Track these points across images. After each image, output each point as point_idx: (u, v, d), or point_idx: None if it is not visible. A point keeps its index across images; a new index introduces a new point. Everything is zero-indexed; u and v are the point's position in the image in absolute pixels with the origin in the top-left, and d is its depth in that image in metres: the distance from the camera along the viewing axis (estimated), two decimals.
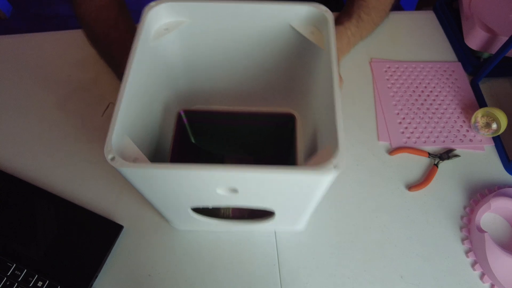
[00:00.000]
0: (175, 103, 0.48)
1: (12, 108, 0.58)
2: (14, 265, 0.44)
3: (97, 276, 0.45)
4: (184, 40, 0.42)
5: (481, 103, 0.59)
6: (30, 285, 0.43)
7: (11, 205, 0.49)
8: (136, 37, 0.36)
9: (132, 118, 0.34)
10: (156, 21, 0.39)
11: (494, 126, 0.53)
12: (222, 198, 0.35)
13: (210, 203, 0.38)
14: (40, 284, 0.43)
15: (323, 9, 0.38)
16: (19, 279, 0.44)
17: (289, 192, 0.34)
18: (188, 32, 0.41)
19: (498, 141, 0.56)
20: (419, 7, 1.17)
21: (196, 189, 0.34)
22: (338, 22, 0.60)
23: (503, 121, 0.53)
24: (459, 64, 0.65)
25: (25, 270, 0.44)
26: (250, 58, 0.44)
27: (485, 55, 0.63)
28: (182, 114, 0.47)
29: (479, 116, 0.55)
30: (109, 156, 0.29)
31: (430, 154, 0.55)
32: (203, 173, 0.29)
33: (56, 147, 0.54)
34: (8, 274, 0.44)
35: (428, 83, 0.62)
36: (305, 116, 0.46)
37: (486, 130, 0.54)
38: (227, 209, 0.48)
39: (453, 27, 0.67)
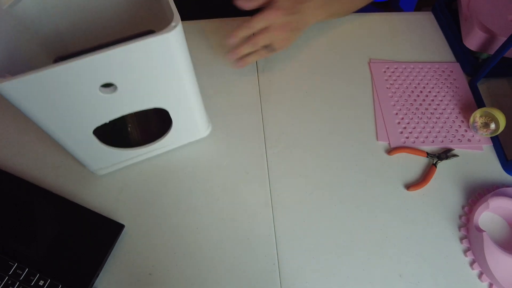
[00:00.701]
0: (51, 53, 0.51)
1: (12, 107, 0.58)
2: (16, 264, 0.45)
3: (98, 275, 0.45)
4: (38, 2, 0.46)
5: (480, 104, 0.60)
6: (32, 284, 0.44)
7: (12, 204, 0.49)
8: None
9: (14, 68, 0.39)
10: None
11: (492, 126, 0.54)
12: (108, 102, 0.39)
13: (103, 114, 0.42)
14: (41, 283, 0.44)
15: None
16: (21, 278, 0.44)
17: (157, 72, 0.39)
18: None
19: (496, 141, 0.56)
20: (418, 8, 1.18)
21: (79, 93, 0.37)
22: None
23: (502, 121, 0.53)
24: (458, 64, 0.65)
25: (27, 269, 0.44)
26: None
27: (484, 55, 0.63)
28: (58, 60, 0.50)
29: (477, 116, 0.55)
30: None
31: (428, 154, 0.55)
32: (75, 64, 0.34)
33: (56, 147, 0.54)
34: (10, 273, 0.44)
35: (427, 84, 0.63)
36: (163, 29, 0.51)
37: (485, 130, 0.54)
38: (135, 135, 0.53)
39: (452, 28, 0.67)
